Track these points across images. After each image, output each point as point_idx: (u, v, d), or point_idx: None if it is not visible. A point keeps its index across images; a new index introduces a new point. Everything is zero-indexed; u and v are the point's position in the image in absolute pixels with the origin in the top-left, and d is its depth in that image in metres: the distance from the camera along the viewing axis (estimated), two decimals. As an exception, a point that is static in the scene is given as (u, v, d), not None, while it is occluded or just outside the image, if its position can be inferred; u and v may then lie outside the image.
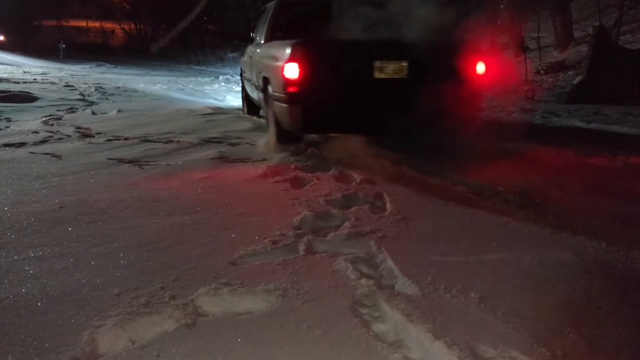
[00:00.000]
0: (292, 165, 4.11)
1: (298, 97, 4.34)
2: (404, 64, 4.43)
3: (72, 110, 8.18)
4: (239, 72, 9.84)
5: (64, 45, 28.10)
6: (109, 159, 4.42)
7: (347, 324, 1.81)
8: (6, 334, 1.73)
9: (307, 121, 4.47)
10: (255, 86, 6.10)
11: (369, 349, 1.68)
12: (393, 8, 4.71)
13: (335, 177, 3.77)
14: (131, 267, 2.25)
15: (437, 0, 4.65)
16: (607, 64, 9.24)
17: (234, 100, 10.23)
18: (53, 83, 12.91)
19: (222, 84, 16.31)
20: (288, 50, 4.38)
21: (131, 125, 6.50)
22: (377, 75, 4.41)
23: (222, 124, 6.62)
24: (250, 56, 6.66)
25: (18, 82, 12.26)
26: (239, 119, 7.32)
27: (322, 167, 4.10)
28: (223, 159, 4.43)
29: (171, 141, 5.31)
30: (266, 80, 5.16)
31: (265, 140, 5.09)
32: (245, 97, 7.75)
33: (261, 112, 6.68)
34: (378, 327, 1.84)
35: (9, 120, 6.83)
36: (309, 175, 3.83)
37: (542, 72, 12.21)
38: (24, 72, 17.12)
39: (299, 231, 2.67)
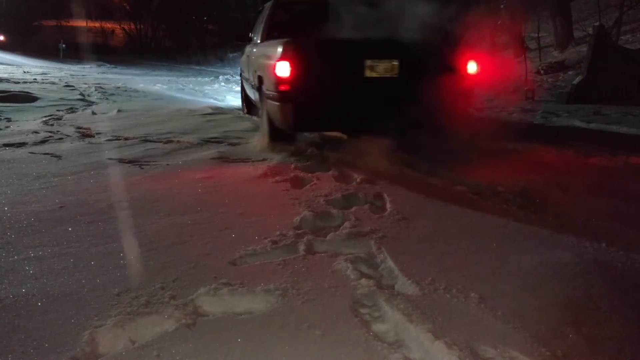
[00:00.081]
0: (292, 165, 4.11)
1: (289, 95, 4.37)
2: (395, 62, 4.45)
3: (72, 110, 8.18)
4: (238, 72, 9.85)
5: (64, 45, 28.12)
6: (109, 159, 4.42)
7: (347, 324, 1.81)
8: (6, 334, 1.73)
9: (298, 119, 4.49)
10: (252, 85, 6.13)
11: (369, 349, 1.68)
12: (388, 7, 4.72)
13: (335, 177, 3.77)
14: (131, 267, 2.24)
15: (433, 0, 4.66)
16: (607, 64, 9.24)
17: (234, 100, 10.23)
18: (53, 83, 12.92)
19: (222, 84, 16.31)
20: (279, 49, 4.41)
21: (131, 125, 6.50)
22: (368, 74, 4.44)
23: (222, 124, 6.62)
24: (248, 56, 6.69)
25: (18, 82, 12.27)
26: (239, 119, 7.32)
27: (322, 167, 4.10)
28: (223, 159, 4.43)
29: (171, 141, 5.31)
30: (261, 79, 5.19)
31: (259, 138, 5.12)
32: (245, 97, 7.77)
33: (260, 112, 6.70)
34: (378, 327, 1.84)
35: (9, 120, 6.82)
36: (309, 175, 3.83)
37: (542, 72, 12.21)
38: (24, 72, 17.13)
39: (299, 231, 2.67)
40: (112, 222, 2.81)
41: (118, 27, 38.71)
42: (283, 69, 4.32)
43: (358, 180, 3.68)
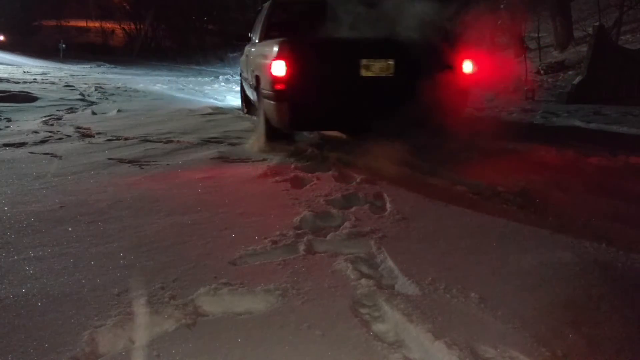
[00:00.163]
0: (292, 165, 4.11)
1: (285, 94, 4.39)
2: (391, 62, 4.47)
3: (72, 110, 8.18)
4: (238, 72, 9.86)
5: (64, 45, 28.10)
6: (109, 159, 4.42)
7: (347, 324, 1.81)
8: (6, 334, 1.73)
9: (294, 118, 4.51)
10: (251, 85, 6.16)
11: (369, 349, 1.68)
12: (385, 7, 4.73)
13: (335, 177, 3.77)
14: (131, 267, 2.25)
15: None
16: (607, 64, 9.24)
17: (234, 100, 10.23)
18: (53, 83, 12.91)
19: (222, 84, 16.32)
20: (275, 48, 4.43)
21: (131, 125, 6.50)
22: (364, 73, 4.45)
23: (222, 124, 6.63)
24: (247, 55, 6.71)
25: (18, 82, 12.26)
26: (239, 119, 7.32)
27: (322, 167, 4.10)
28: (223, 159, 4.43)
29: (171, 141, 5.31)
30: (258, 79, 5.22)
31: (256, 138, 5.14)
32: (245, 97, 7.78)
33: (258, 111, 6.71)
34: (378, 327, 1.84)
35: (9, 120, 6.82)
36: (309, 175, 3.83)
37: (542, 72, 12.21)
38: (24, 72, 17.12)
39: (299, 231, 2.67)
40: (112, 222, 2.81)
41: (118, 27, 38.67)
42: (279, 68, 4.34)
43: (358, 180, 3.68)
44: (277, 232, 2.63)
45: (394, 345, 1.72)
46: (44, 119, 6.99)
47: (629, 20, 12.80)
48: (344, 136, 5.58)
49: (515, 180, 3.59)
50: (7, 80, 12.53)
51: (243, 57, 7.49)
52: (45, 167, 4.10)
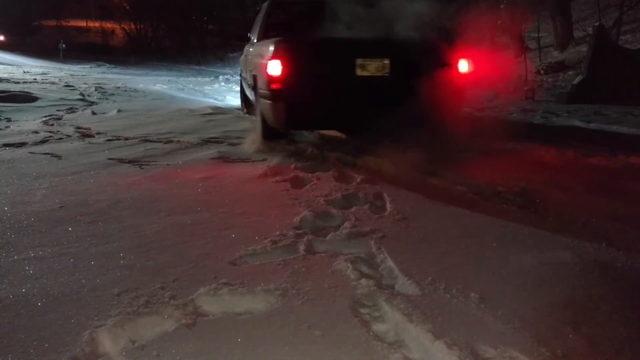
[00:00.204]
0: (292, 165, 4.11)
1: (281, 93, 4.40)
2: (386, 61, 4.47)
3: (72, 110, 8.18)
4: (238, 72, 9.86)
5: (64, 45, 28.12)
6: (109, 159, 4.42)
7: (347, 324, 1.81)
8: (6, 334, 1.73)
9: (290, 118, 4.52)
10: (249, 84, 6.18)
11: (369, 349, 1.68)
12: (383, 7, 4.73)
13: (335, 177, 3.77)
14: (131, 267, 2.25)
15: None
16: (607, 64, 9.25)
17: (234, 100, 10.23)
18: (53, 83, 12.92)
19: (222, 84, 16.32)
20: (271, 48, 4.45)
21: (131, 125, 6.50)
22: (359, 72, 4.46)
23: (222, 124, 6.63)
24: (246, 55, 6.72)
25: (18, 82, 12.27)
26: (239, 118, 7.32)
27: (322, 167, 4.10)
28: (223, 159, 4.43)
29: (171, 141, 5.31)
30: (256, 78, 5.23)
31: (253, 137, 5.15)
32: (244, 97, 7.79)
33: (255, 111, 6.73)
34: (378, 327, 1.84)
35: (9, 120, 6.82)
36: (309, 175, 3.83)
37: (542, 72, 12.21)
38: (24, 72, 17.13)
39: (299, 231, 2.67)
40: (112, 222, 2.81)
41: (118, 27, 38.69)
42: (275, 68, 4.36)
43: (358, 180, 3.68)
44: (277, 232, 2.63)
45: (394, 345, 1.72)
46: (44, 119, 6.99)
47: (629, 20, 12.80)
48: (344, 136, 5.58)
49: (515, 180, 3.59)
50: (7, 80, 12.53)
51: (242, 57, 7.51)
52: (45, 167, 4.10)
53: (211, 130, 6.00)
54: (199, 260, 2.31)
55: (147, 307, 1.88)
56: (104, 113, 7.90)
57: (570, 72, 11.60)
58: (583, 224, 2.85)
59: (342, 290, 2.05)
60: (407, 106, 4.09)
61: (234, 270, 2.23)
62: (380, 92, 4.52)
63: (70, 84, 12.74)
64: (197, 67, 26.07)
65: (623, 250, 2.46)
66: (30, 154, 4.59)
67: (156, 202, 3.19)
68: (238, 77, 11.03)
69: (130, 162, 4.32)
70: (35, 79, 13.92)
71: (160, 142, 5.26)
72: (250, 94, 6.27)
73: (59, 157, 4.49)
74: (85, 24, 41.24)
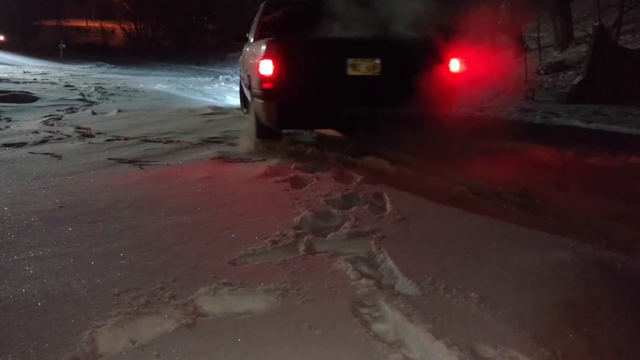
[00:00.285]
0: (292, 165, 4.11)
1: (273, 93, 4.45)
2: (377, 61, 4.49)
3: (72, 110, 8.18)
4: (238, 72, 9.87)
5: (64, 45, 28.12)
6: (109, 159, 4.42)
7: (347, 324, 1.81)
8: (6, 334, 1.73)
9: (282, 117, 4.56)
10: (246, 84, 6.21)
11: (369, 349, 1.68)
12: (378, 7, 4.75)
13: (335, 177, 3.77)
14: (131, 267, 2.25)
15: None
16: (607, 64, 9.25)
17: (234, 100, 10.24)
18: (53, 83, 12.92)
19: (222, 83, 16.33)
20: (263, 48, 4.49)
21: (131, 125, 6.50)
22: (350, 72, 4.48)
23: (222, 124, 6.63)
24: (244, 55, 6.76)
25: (18, 82, 12.27)
26: (238, 118, 7.32)
27: (322, 167, 4.10)
28: (223, 159, 4.43)
29: (171, 141, 5.31)
30: (250, 78, 5.27)
31: (247, 136, 5.18)
32: (243, 97, 7.81)
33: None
34: (378, 327, 1.84)
35: (9, 120, 6.83)
36: (309, 175, 3.83)
37: (542, 72, 12.22)
38: (24, 72, 17.13)
39: (299, 231, 2.67)
40: (112, 222, 2.81)
41: (118, 27, 38.70)
42: (266, 67, 4.40)
43: (358, 180, 3.67)
44: (277, 232, 2.63)
45: (394, 345, 1.72)
46: (44, 119, 6.99)
47: (629, 20, 12.80)
48: (343, 136, 5.58)
49: (515, 180, 3.58)
50: (7, 80, 12.53)
51: (241, 57, 7.53)
52: (45, 167, 4.11)
53: (211, 130, 6.00)
54: (199, 260, 2.31)
55: (147, 307, 1.88)
56: (104, 113, 7.90)
57: (570, 72, 11.61)
58: (583, 224, 2.84)
59: (342, 290, 2.05)
60: (398, 105, 4.15)
61: (234, 270, 2.23)
62: (372, 92, 4.55)
63: (70, 84, 12.74)
64: (197, 67, 26.08)
65: (623, 250, 2.46)
66: (30, 154, 4.59)
67: (156, 202, 3.19)
68: (238, 77, 11.03)
69: (130, 162, 4.32)
70: (35, 79, 13.92)
71: (160, 142, 5.26)
72: (247, 93, 6.31)
73: (59, 157, 4.49)
74: (85, 24, 41.24)
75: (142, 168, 4.12)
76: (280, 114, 4.51)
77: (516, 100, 9.68)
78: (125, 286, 2.05)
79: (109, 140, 5.36)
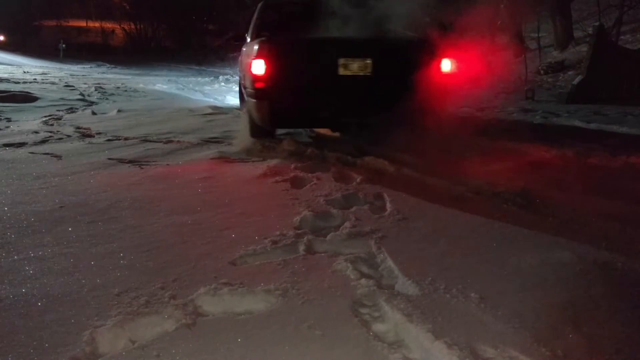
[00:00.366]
0: (292, 165, 4.11)
1: (265, 92, 4.49)
2: (368, 61, 4.50)
3: (72, 110, 8.18)
4: (238, 72, 9.88)
5: (64, 45, 28.11)
6: (109, 159, 4.42)
7: (347, 324, 1.81)
8: (6, 334, 1.73)
9: (274, 116, 4.60)
10: (242, 84, 6.24)
11: (369, 349, 1.68)
12: (374, 7, 4.75)
13: (335, 177, 3.77)
14: (131, 267, 2.24)
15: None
16: (607, 64, 9.25)
17: (234, 100, 10.23)
18: (53, 83, 12.92)
19: (222, 84, 16.33)
20: (255, 48, 4.53)
21: (131, 125, 6.50)
22: (342, 72, 4.50)
23: (222, 124, 6.63)
24: (241, 55, 6.79)
25: (18, 82, 12.26)
26: (238, 118, 7.30)
27: (322, 167, 4.10)
28: (223, 159, 4.43)
29: (171, 141, 5.31)
30: (244, 78, 5.30)
31: (241, 135, 5.22)
32: (242, 97, 7.83)
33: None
34: (378, 327, 1.83)
35: (9, 120, 6.82)
36: (309, 175, 3.83)
37: (542, 72, 12.22)
38: (24, 72, 17.13)
39: (299, 231, 2.67)
40: (112, 222, 2.81)
41: (118, 27, 38.67)
42: (258, 67, 4.44)
43: (358, 180, 3.67)
44: (277, 232, 2.63)
45: (394, 345, 1.72)
46: (44, 119, 6.99)
47: (629, 20, 12.80)
48: (343, 136, 5.58)
49: (515, 180, 3.59)
50: (7, 80, 12.53)
51: (240, 57, 7.56)
52: (45, 167, 4.10)
53: (211, 130, 6.00)
54: (199, 260, 2.31)
55: (147, 307, 1.88)
56: (104, 113, 7.90)
57: (570, 72, 11.61)
58: (583, 224, 2.84)
59: (342, 290, 2.05)
60: (390, 106, 4.18)
61: (234, 270, 2.23)
62: (363, 92, 4.57)
63: (70, 84, 12.74)
64: (197, 67, 26.08)
65: (623, 250, 2.46)
66: (30, 154, 4.59)
67: (156, 202, 3.19)
68: (238, 77, 11.03)
69: (130, 162, 4.32)
70: (35, 79, 13.92)
71: (160, 142, 5.26)
72: (244, 92, 6.36)
73: (59, 157, 4.49)
74: (85, 24, 41.21)
75: (142, 168, 4.12)
76: (273, 113, 4.56)
77: (516, 100, 9.69)
78: (125, 286, 2.05)
79: (109, 140, 5.36)
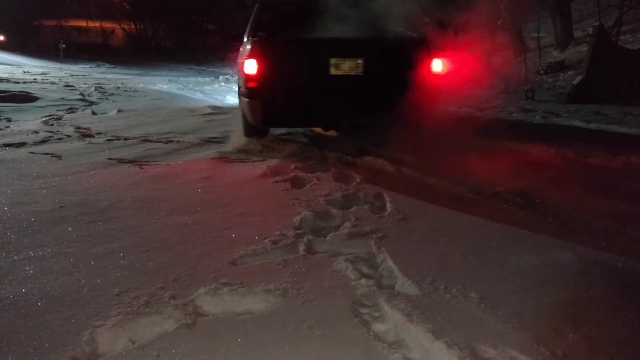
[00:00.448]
0: (292, 165, 4.11)
1: (257, 91, 4.54)
2: (360, 61, 4.53)
3: (72, 110, 8.18)
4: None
5: (64, 45, 28.10)
6: (109, 159, 4.42)
7: (347, 324, 1.81)
8: (6, 334, 1.73)
9: (266, 115, 4.63)
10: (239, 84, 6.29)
11: (369, 349, 1.68)
12: (369, 7, 4.76)
13: (335, 177, 3.77)
14: (131, 267, 2.25)
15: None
16: (607, 64, 9.26)
17: (234, 100, 10.21)
18: (53, 83, 12.91)
19: (222, 83, 16.34)
20: (248, 47, 4.59)
21: (131, 125, 6.50)
22: (333, 71, 4.54)
23: (222, 124, 6.63)
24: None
25: (18, 82, 12.26)
26: (238, 118, 7.31)
27: (322, 167, 4.10)
28: (223, 159, 4.43)
29: (171, 141, 5.31)
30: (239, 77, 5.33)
31: (236, 134, 5.24)
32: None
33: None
34: (378, 327, 1.84)
35: (9, 120, 6.82)
36: (309, 175, 3.83)
37: (542, 72, 12.22)
38: (24, 72, 17.12)
39: (299, 231, 2.67)
40: (112, 222, 2.81)
41: (118, 27, 38.65)
42: (250, 67, 4.49)
43: (358, 180, 3.67)
44: (277, 232, 2.63)
45: (394, 345, 1.72)
46: (44, 119, 6.99)
47: (629, 20, 12.81)
48: (343, 136, 5.58)
49: (515, 180, 3.59)
50: (7, 80, 12.52)
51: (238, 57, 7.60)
52: (45, 167, 4.10)
53: (211, 130, 6.00)
54: (199, 260, 2.31)
55: (147, 307, 1.88)
56: (104, 113, 7.90)
57: (570, 72, 11.62)
58: (583, 224, 2.84)
59: (342, 290, 2.05)
60: (380, 105, 4.24)
61: (234, 270, 2.23)
62: (354, 91, 4.59)
63: (70, 84, 12.74)
64: (197, 67, 26.07)
65: (623, 250, 2.46)
66: (30, 154, 4.59)
67: (156, 202, 3.19)
68: (237, 77, 11.04)
69: (130, 162, 4.32)
70: (35, 79, 13.92)
71: (160, 142, 5.26)
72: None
73: (59, 157, 4.49)
74: (85, 24, 41.19)
75: (142, 168, 4.12)
76: (265, 112, 4.59)
77: (516, 100, 9.69)
78: (125, 286, 2.05)
79: (109, 140, 5.36)
